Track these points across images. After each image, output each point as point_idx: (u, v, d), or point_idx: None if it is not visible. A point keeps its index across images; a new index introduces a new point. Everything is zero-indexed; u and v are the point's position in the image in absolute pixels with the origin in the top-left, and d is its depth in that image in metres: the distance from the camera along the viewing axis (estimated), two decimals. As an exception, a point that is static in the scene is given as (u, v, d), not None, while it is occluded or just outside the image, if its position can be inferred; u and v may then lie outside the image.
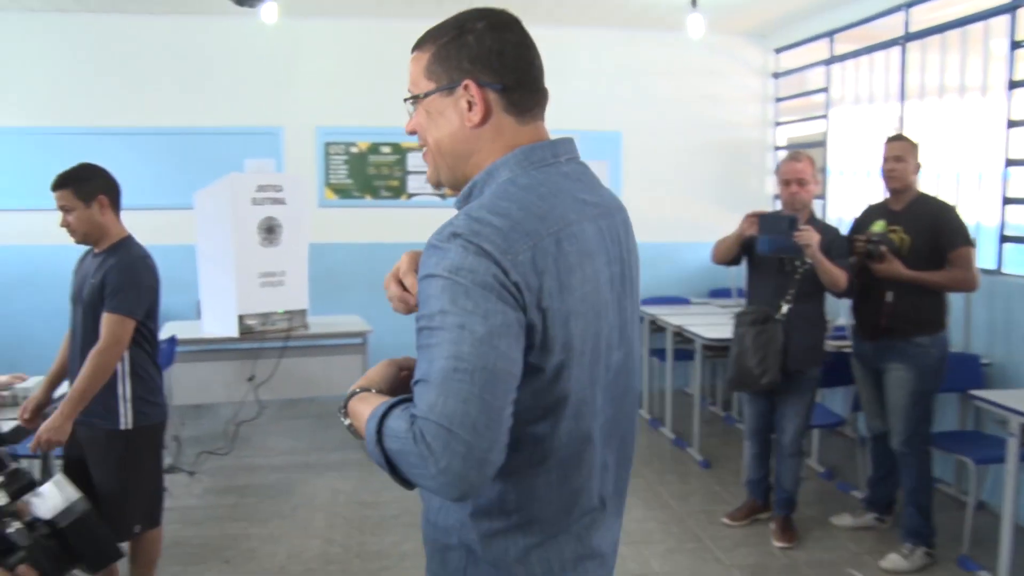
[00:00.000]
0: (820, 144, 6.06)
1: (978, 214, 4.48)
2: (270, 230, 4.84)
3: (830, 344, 4.24)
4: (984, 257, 4.23)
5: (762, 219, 3.74)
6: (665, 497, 4.50)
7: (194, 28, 6.12)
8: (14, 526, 1.20)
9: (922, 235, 3.59)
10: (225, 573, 3.63)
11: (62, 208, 2.89)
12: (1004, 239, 4.38)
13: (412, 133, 1.33)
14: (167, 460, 4.82)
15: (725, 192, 6.75)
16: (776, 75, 6.80)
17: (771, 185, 6.77)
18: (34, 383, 3.43)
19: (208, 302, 4.99)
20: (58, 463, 3.05)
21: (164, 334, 4.84)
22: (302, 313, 5.07)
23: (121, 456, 2.88)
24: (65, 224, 2.91)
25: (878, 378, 3.81)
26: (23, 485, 1.29)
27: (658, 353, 5.83)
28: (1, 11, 5.89)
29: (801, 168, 3.75)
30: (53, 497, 1.41)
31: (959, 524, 3.84)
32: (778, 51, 6.73)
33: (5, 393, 3.36)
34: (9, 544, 1.21)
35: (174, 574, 3.58)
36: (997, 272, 4.37)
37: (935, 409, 3.80)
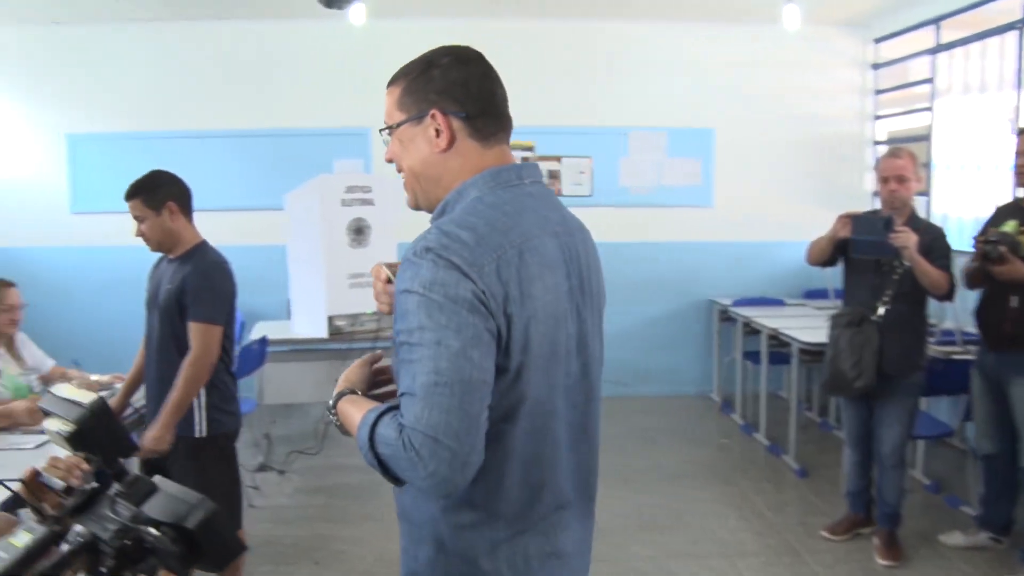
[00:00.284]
0: (924, 138, 5.75)
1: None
2: (359, 231, 4.86)
3: (935, 349, 4.01)
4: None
5: (856, 220, 3.56)
6: (760, 507, 4.34)
7: (285, 31, 6.23)
8: (151, 532, 1.20)
9: None
10: (315, 574, 3.66)
11: (136, 218, 2.92)
12: None
13: (389, 161, 1.45)
14: (258, 459, 4.93)
15: (821, 189, 6.51)
16: (876, 66, 6.51)
17: (870, 182, 6.50)
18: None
19: (298, 303, 5.06)
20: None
21: (255, 334, 4.95)
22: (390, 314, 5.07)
23: (198, 462, 2.91)
24: (139, 233, 2.95)
25: (999, 393, 3.54)
26: (146, 492, 1.29)
27: (752, 356, 5.64)
28: (105, 22, 6.09)
29: (901, 164, 3.54)
30: (166, 499, 1.40)
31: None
32: (878, 41, 6.44)
33: (128, 411, 3.32)
34: (144, 552, 1.20)
35: (265, 573, 3.63)
36: None
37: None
